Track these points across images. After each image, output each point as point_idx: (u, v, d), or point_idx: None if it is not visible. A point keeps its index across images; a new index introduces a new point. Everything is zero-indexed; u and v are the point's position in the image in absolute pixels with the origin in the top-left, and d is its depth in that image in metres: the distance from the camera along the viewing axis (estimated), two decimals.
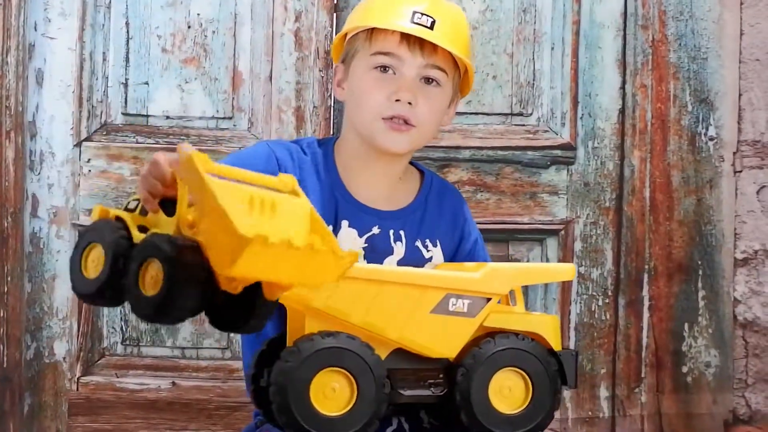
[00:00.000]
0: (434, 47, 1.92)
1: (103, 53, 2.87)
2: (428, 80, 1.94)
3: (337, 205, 1.96)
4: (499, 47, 2.91)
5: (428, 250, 2.00)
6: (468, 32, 2.01)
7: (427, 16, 1.92)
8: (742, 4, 2.90)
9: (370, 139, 1.95)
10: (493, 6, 2.91)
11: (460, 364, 1.77)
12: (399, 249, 1.97)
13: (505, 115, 2.92)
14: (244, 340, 2.03)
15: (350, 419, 1.70)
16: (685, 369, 2.90)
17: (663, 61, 2.90)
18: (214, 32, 2.88)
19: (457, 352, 1.78)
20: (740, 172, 2.91)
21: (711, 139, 2.91)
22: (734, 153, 2.91)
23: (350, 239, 1.95)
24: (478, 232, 2.11)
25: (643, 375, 2.90)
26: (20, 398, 2.84)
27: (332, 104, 2.85)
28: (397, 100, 1.92)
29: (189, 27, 2.88)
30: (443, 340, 1.78)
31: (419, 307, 1.76)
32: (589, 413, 2.91)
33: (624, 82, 2.91)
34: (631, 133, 2.91)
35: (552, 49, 2.92)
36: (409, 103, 1.92)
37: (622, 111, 2.91)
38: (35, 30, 2.84)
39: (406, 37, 1.92)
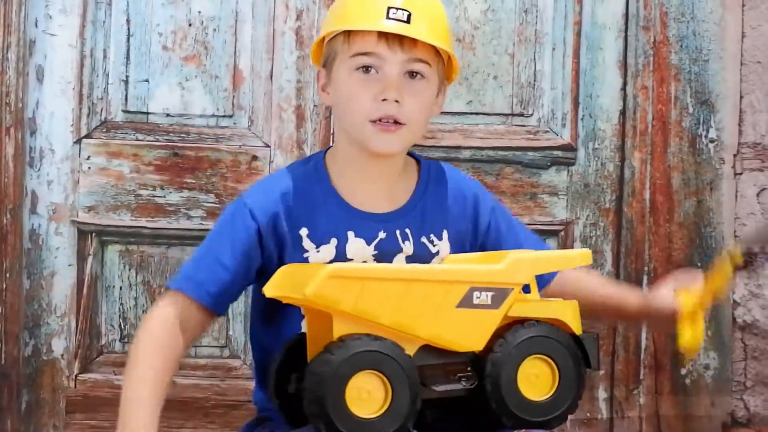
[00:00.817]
0: (414, 41, 1.90)
1: (104, 50, 2.86)
2: (412, 74, 1.91)
3: (338, 219, 1.94)
4: (500, 47, 2.91)
5: (434, 245, 1.99)
6: (446, 19, 1.98)
7: (402, 10, 1.89)
8: (743, 6, 2.90)
9: (361, 142, 1.93)
10: (494, 6, 2.91)
11: (488, 356, 1.79)
12: (408, 248, 1.96)
13: (506, 115, 2.92)
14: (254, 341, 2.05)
15: (382, 424, 1.72)
16: (683, 371, 2.90)
17: (664, 62, 2.90)
18: (215, 30, 2.87)
19: (484, 344, 1.80)
20: (740, 174, 2.91)
21: (711, 141, 2.91)
22: (735, 155, 2.91)
23: (359, 249, 1.94)
24: (494, 200, 2.06)
25: (641, 377, 2.90)
26: (18, 395, 2.84)
27: None
28: (383, 100, 1.89)
29: (190, 24, 2.87)
30: (470, 333, 1.79)
31: (445, 302, 1.78)
32: (588, 414, 2.91)
33: (625, 84, 2.91)
34: (632, 135, 2.90)
35: (553, 49, 2.91)
36: (396, 101, 1.90)
37: (622, 112, 2.91)
38: (36, 26, 2.84)
39: (384, 35, 1.89)
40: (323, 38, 1.98)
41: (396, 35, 1.89)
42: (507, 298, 1.81)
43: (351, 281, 1.73)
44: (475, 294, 1.79)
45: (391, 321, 1.75)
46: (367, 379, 1.71)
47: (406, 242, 1.96)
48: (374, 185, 1.98)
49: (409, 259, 1.95)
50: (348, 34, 1.93)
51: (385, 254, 1.95)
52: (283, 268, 1.86)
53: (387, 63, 1.90)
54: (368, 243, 1.94)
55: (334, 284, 1.72)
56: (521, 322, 1.82)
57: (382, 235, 1.95)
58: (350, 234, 1.94)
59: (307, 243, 1.94)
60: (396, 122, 1.91)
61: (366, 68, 1.91)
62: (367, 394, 1.71)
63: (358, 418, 1.70)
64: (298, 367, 1.82)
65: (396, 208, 1.98)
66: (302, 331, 1.91)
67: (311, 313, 1.83)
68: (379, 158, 1.95)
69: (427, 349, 1.78)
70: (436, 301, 1.77)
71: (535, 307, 1.84)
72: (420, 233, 1.97)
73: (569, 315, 1.85)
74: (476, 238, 2.02)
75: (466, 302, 1.79)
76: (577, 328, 1.85)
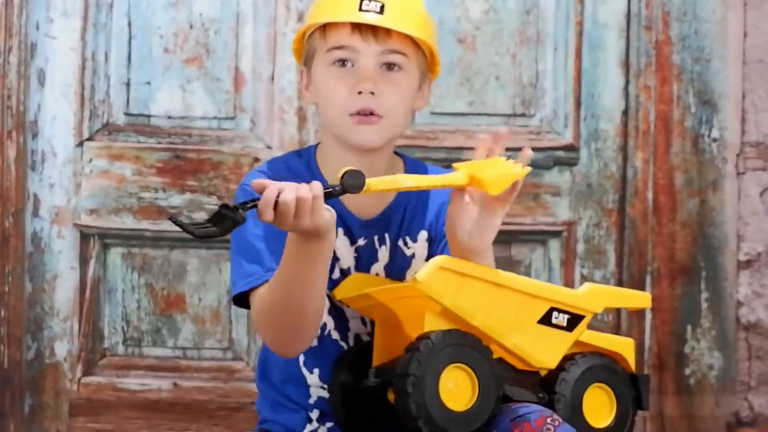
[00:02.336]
0: (388, 32, 1.89)
1: (105, 53, 2.86)
2: (389, 66, 1.91)
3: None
4: (501, 48, 2.90)
5: (408, 248, 1.98)
6: (423, 10, 1.96)
7: (375, 1, 1.88)
8: (745, 5, 2.89)
9: (342, 137, 1.92)
10: (495, 7, 2.90)
11: (560, 374, 1.85)
12: (384, 254, 1.96)
13: (508, 116, 2.91)
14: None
15: (473, 415, 1.76)
16: (687, 371, 2.89)
17: (666, 62, 2.90)
18: (216, 32, 2.87)
19: (556, 363, 1.86)
20: (743, 173, 2.91)
21: (714, 140, 2.90)
22: (737, 155, 2.90)
23: (345, 247, 1.94)
24: None
25: None
26: (21, 399, 2.84)
27: None
28: (359, 93, 1.89)
29: (191, 27, 2.87)
30: (546, 350, 1.85)
31: (529, 315, 1.84)
32: None
33: (627, 83, 2.91)
34: (634, 135, 2.90)
35: (555, 50, 2.91)
36: (372, 93, 1.89)
37: (625, 112, 2.91)
38: (37, 29, 2.84)
39: (358, 27, 1.89)
40: (303, 35, 1.98)
41: (369, 26, 1.88)
42: (580, 324, 1.87)
43: (455, 275, 1.78)
44: (554, 314, 1.85)
45: (482, 323, 1.80)
46: (457, 373, 1.76)
47: (383, 247, 1.96)
48: None
49: (386, 267, 1.95)
50: (323, 29, 1.92)
51: (362, 261, 1.95)
52: (352, 275, 1.92)
53: (362, 55, 1.90)
54: (351, 245, 1.95)
55: (441, 275, 1.78)
56: (591, 350, 1.89)
57: (361, 242, 1.95)
58: (339, 230, 1.94)
59: None
60: (374, 114, 1.90)
61: (342, 62, 1.91)
62: (456, 388, 1.76)
63: (453, 412, 1.75)
64: (362, 367, 1.87)
65: (380, 210, 1.97)
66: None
67: (382, 320, 1.87)
68: (363, 154, 1.93)
69: (501, 362, 1.83)
70: (522, 311, 1.83)
71: (599, 337, 1.91)
72: (397, 237, 1.97)
73: (628, 352, 1.92)
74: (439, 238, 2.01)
75: (546, 320, 1.85)
76: (632, 365, 1.92)
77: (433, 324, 1.78)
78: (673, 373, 2.88)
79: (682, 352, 2.89)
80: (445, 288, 1.77)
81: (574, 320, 1.86)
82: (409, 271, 1.97)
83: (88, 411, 2.85)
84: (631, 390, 1.89)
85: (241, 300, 1.92)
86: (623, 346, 1.92)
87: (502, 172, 1.80)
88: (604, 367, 1.87)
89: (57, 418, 2.85)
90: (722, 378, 2.90)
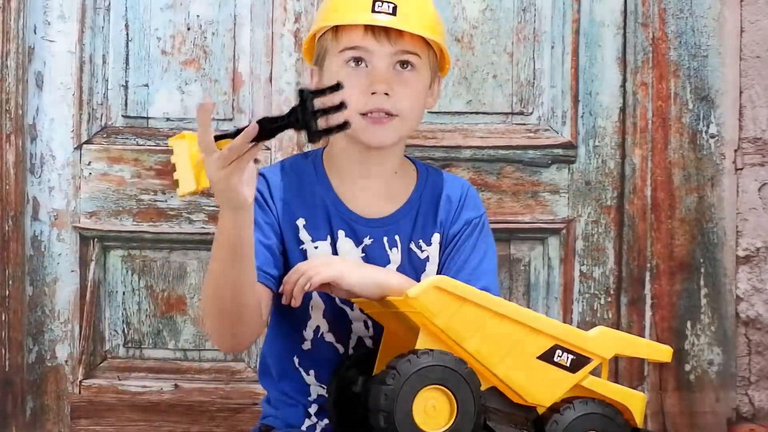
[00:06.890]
0: (400, 33, 1.91)
1: (103, 56, 2.87)
2: (403, 64, 1.93)
3: (330, 217, 1.96)
4: (499, 46, 2.91)
5: (422, 251, 1.99)
6: (434, 10, 1.99)
7: (388, 2, 1.91)
8: (742, 1, 2.89)
9: (354, 136, 1.94)
10: (492, 5, 2.90)
11: (552, 416, 1.82)
12: (395, 256, 1.97)
13: (506, 114, 2.92)
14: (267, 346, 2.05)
15: None
16: (687, 367, 2.90)
17: (663, 58, 2.90)
18: (213, 34, 2.88)
19: (551, 403, 1.83)
20: (741, 169, 2.91)
21: (712, 136, 2.91)
22: (735, 150, 2.91)
23: (349, 250, 1.95)
24: (478, 215, 2.05)
25: (645, 373, 2.89)
26: (22, 402, 2.84)
27: None
28: (373, 93, 1.91)
29: (188, 29, 2.87)
30: (542, 387, 1.83)
31: (529, 349, 1.82)
32: None
33: (624, 80, 2.91)
34: (632, 132, 2.90)
35: (552, 47, 2.91)
36: (386, 94, 1.91)
37: (622, 109, 2.91)
38: (35, 33, 2.84)
39: (371, 28, 1.91)
40: (314, 35, 1.99)
41: (382, 28, 1.90)
42: (585, 367, 1.85)
43: (452, 297, 1.78)
44: (558, 352, 1.83)
45: (474, 348, 1.79)
46: (436, 395, 1.74)
47: (394, 249, 1.97)
48: (370, 183, 1.98)
49: (400, 269, 1.96)
50: (336, 29, 1.94)
51: (371, 260, 1.96)
52: None
53: (375, 56, 1.92)
54: (356, 245, 1.96)
55: (436, 295, 1.77)
56: (591, 395, 1.85)
57: (367, 240, 1.96)
58: (341, 233, 1.96)
59: (303, 234, 1.96)
60: (388, 114, 1.92)
61: (356, 61, 1.93)
62: (432, 409, 1.74)
63: (417, 426, 1.73)
64: (363, 371, 1.88)
65: (390, 212, 1.98)
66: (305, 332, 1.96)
67: (390, 330, 1.88)
68: (374, 153, 1.96)
69: (495, 392, 1.82)
70: (521, 344, 1.81)
71: (606, 386, 1.88)
72: (409, 239, 1.98)
73: (636, 405, 1.88)
74: (445, 242, 2.01)
75: (547, 357, 1.83)
76: (639, 420, 1.88)
77: (426, 342, 1.77)
78: (673, 369, 2.89)
79: (682, 349, 2.89)
80: (440, 308, 1.77)
81: (579, 362, 1.84)
82: (424, 274, 1.98)
83: (89, 413, 2.85)
84: None
85: None
86: (632, 399, 1.88)
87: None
88: (603, 417, 1.83)
89: (59, 420, 2.85)
90: (722, 374, 2.90)
